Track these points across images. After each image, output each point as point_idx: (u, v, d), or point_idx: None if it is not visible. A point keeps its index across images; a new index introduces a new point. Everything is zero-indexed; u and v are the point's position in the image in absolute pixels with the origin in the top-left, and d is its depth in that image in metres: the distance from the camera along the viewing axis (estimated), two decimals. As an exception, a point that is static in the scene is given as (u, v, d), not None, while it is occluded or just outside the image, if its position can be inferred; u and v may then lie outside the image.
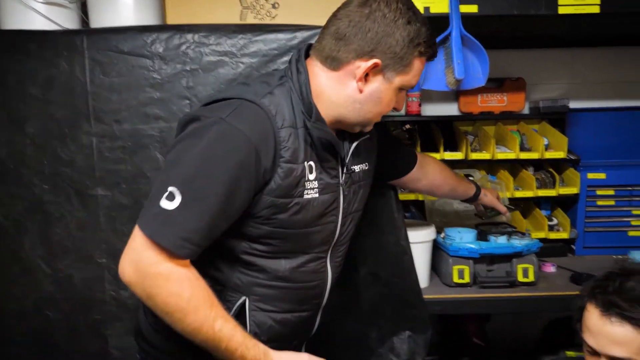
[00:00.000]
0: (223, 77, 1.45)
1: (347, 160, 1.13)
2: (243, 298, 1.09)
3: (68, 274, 1.51)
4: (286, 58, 1.46)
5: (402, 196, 1.99)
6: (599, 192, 2.09)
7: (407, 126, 2.09)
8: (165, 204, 0.93)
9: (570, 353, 1.59)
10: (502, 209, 1.76)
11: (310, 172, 1.05)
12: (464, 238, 1.74)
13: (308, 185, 1.05)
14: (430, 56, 1.09)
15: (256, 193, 1.00)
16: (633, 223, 2.10)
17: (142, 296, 0.97)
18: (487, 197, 1.72)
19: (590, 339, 1.10)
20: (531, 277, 1.71)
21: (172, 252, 0.94)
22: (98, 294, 1.54)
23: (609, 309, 1.07)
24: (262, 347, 1.02)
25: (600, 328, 1.07)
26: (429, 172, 1.54)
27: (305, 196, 1.05)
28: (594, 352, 1.10)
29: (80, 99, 1.45)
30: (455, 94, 2.21)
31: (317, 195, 1.07)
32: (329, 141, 1.06)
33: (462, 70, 1.54)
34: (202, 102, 1.24)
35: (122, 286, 1.52)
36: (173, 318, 0.96)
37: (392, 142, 1.47)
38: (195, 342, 0.98)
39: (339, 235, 1.17)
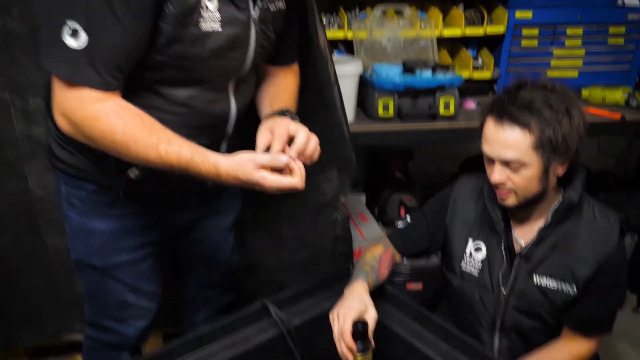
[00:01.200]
0: None
1: None
2: None
3: (-31, 113, 1.41)
4: None
5: (331, 33, 1.93)
6: (524, 32, 2.11)
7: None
8: (70, 41, 0.90)
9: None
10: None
11: (210, 1, 0.99)
12: (389, 72, 1.74)
13: (206, 15, 0.99)
14: None
15: (155, 19, 0.96)
16: (553, 64, 2.17)
17: (84, 141, 0.97)
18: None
19: (486, 148, 1.19)
20: (452, 111, 1.78)
21: (93, 90, 0.93)
22: (7, 133, 1.46)
23: (502, 117, 1.14)
24: (212, 160, 1.01)
25: (495, 135, 1.16)
26: (271, 83, 1.28)
27: (203, 27, 0.99)
28: (490, 160, 1.19)
29: None
30: None
31: (219, 28, 1.01)
32: None
33: None
34: None
35: (34, 122, 1.45)
36: (120, 153, 0.97)
37: (292, 28, 1.26)
38: (154, 167, 0.99)
39: (244, 72, 1.13)
